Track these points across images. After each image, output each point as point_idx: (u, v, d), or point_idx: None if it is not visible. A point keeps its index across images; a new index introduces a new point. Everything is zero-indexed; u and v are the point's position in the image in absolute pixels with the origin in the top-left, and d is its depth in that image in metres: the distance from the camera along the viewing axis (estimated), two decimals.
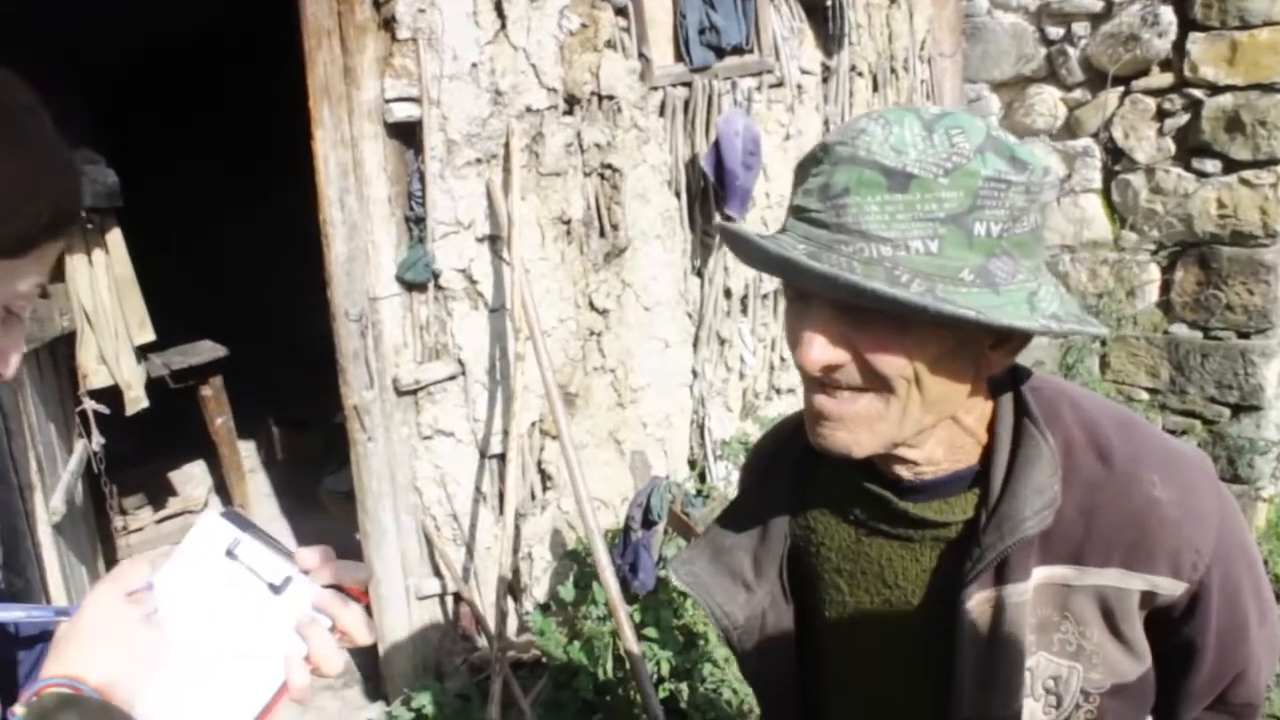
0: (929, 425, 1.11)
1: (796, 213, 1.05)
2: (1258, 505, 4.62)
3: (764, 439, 1.45)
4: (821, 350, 1.05)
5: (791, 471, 1.32)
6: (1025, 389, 1.17)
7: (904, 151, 0.98)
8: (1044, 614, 1.14)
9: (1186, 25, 4.50)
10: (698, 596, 1.32)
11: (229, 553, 1.03)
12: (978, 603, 1.13)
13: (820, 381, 1.09)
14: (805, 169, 1.07)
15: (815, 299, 1.06)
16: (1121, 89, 4.72)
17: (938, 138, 0.99)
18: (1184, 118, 4.58)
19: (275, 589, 1.01)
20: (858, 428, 1.09)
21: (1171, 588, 1.10)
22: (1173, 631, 1.15)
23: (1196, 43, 4.48)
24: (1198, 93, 4.52)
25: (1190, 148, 4.59)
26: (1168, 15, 4.52)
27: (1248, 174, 4.45)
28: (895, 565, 1.22)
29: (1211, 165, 4.54)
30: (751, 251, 1.06)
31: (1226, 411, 4.65)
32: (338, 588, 1.03)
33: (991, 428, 1.16)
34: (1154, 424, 1.27)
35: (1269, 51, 4.35)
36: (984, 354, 1.09)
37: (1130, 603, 1.11)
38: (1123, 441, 1.14)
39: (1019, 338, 1.09)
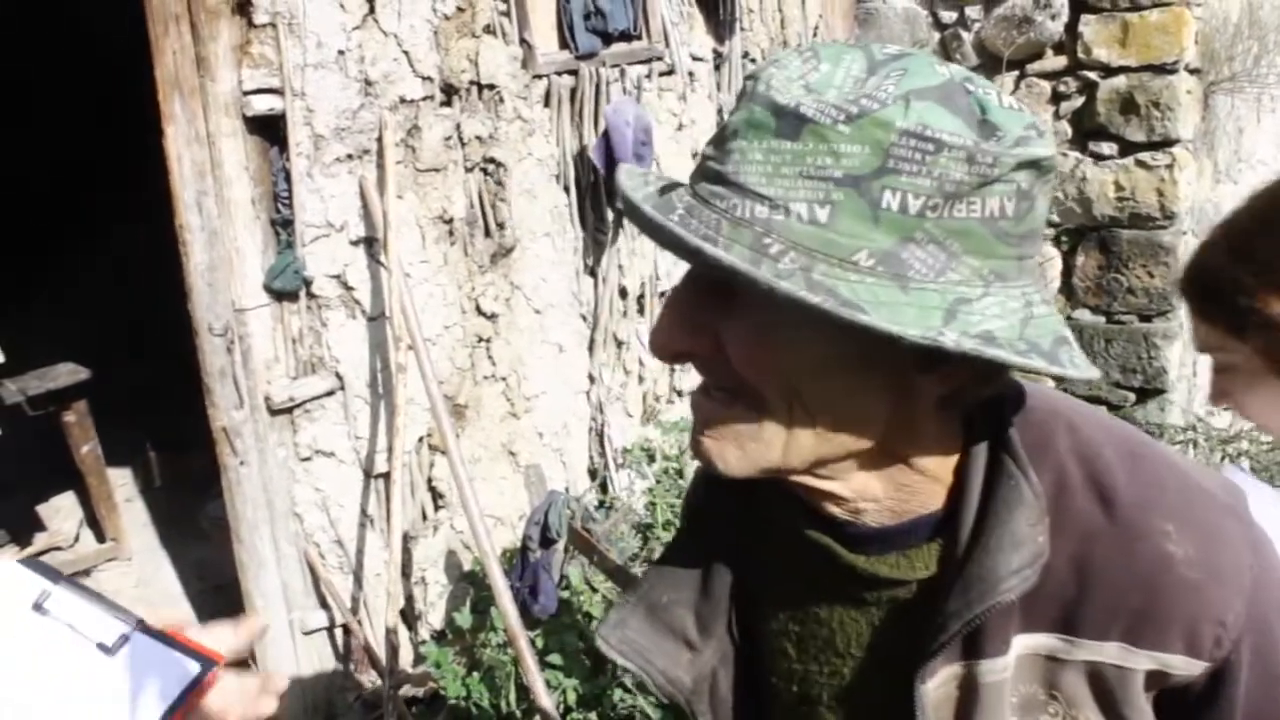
0: (833, 458, 0.87)
1: (700, 160, 0.83)
2: None
3: (700, 469, 1.16)
4: (670, 334, 0.85)
5: (732, 510, 1.06)
6: (1004, 425, 0.90)
7: (817, 92, 0.76)
8: (1027, 691, 0.90)
9: (1078, 7, 4.47)
10: (634, 665, 1.05)
11: (38, 606, 0.80)
12: (942, 681, 0.90)
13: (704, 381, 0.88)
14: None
15: (689, 273, 0.85)
16: (1016, 73, 4.67)
17: (873, 80, 0.77)
18: (1079, 100, 4.54)
19: (107, 649, 0.80)
20: (725, 440, 0.86)
21: (1187, 667, 0.86)
22: (1188, 717, 0.90)
23: (1089, 24, 4.44)
24: (1092, 75, 4.48)
25: (1086, 130, 4.55)
26: None
27: (1144, 156, 4.43)
28: (848, 630, 0.98)
29: (1108, 148, 4.51)
30: (623, 201, 0.84)
31: (1132, 396, 4.61)
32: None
33: (961, 463, 0.91)
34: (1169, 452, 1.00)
35: (1159, 32, 4.32)
36: (909, 378, 0.83)
37: (1134, 684, 0.87)
38: (1130, 479, 0.88)
39: (959, 364, 0.81)
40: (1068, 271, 4.69)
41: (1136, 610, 0.85)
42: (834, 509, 0.92)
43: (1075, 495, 0.88)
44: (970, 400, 0.87)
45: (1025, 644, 0.89)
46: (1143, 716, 0.89)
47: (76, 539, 5.10)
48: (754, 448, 0.85)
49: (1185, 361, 4.68)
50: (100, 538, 5.05)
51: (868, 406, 0.84)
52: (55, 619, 0.79)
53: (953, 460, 0.91)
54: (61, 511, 5.24)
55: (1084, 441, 0.90)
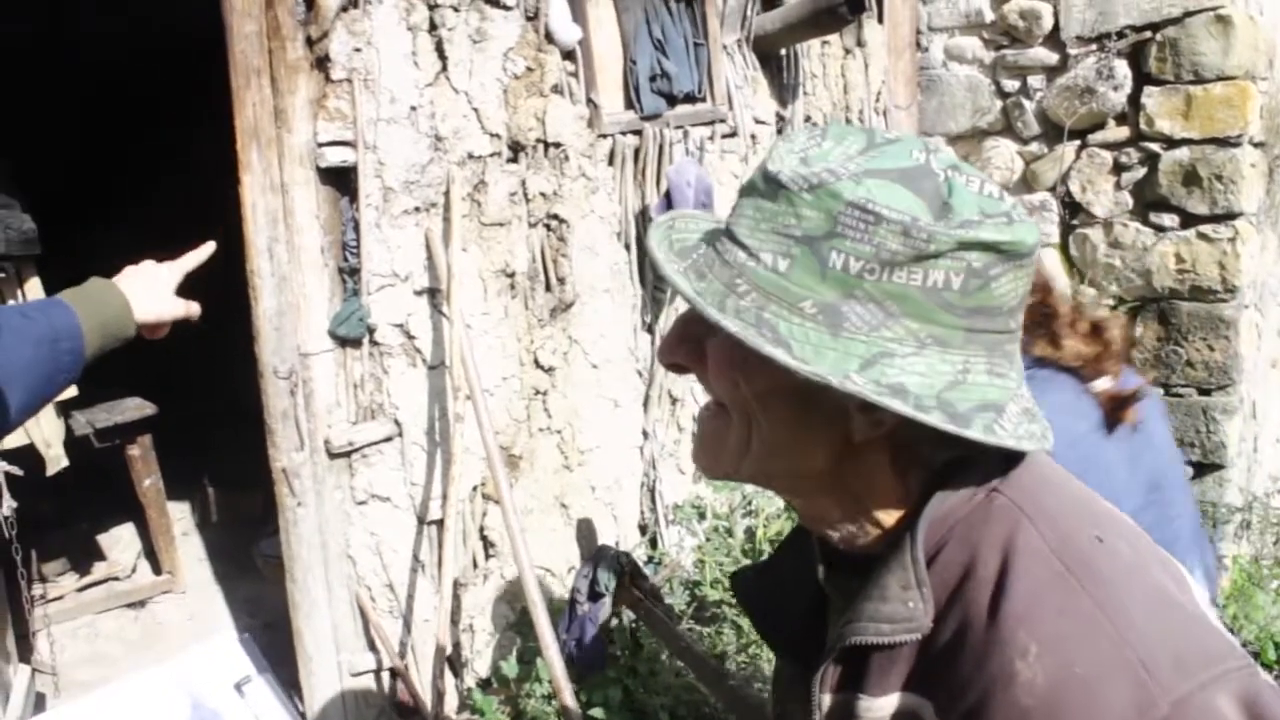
0: (780, 475, 1.00)
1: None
2: (1220, 572, 4.51)
3: None
4: (668, 345, 1.01)
5: None
6: (945, 491, 0.94)
7: (809, 164, 0.89)
8: None
9: (1142, 79, 4.46)
10: (747, 611, 1.24)
11: (238, 687, 0.85)
12: (831, 703, 1.00)
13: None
14: None
15: None
16: (1078, 142, 4.67)
17: (859, 158, 0.89)
18: (1141, 171, 4.52)
19: None
20: (707, 447, 1.03)
21: None
22: None
23: (1152, 96, 4.44)
24: (1154, 146, 4.47)
25: (1148, 202, 4.53)
26: (1123, 69, 4.48)
27: (1205, 228, 4.40)
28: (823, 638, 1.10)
29: (1169, 219, 4.49)
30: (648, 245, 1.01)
31: (1190, 470, 4.54)
32: None
33: (902, 517, 0.99)
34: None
35: (1223, 105, 4.31)
36: (847, 413, 0.91)
37: None
38: (1027, 592, 0.87)
39: (888, 410, 0.88)
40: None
41: (969, 710, 0.86)
42: (813, 526, 1.05)
43: (978, 584, 0.90)
44: (927, 459, 0.96)
45: (907, 700, 0.94)
46: None
47: (134, 570, 5.20)
48: (724, 456, 1.00)
49: (1245, 436, 4.62)
50: (157, 570, 5.14)
51: (809, 434, 0.95)
52: (247, 704, 0.84)
53: (900, 512, 0.99)
54: (121, 542, 5.34)
55: (1020, 540, 0.90)
